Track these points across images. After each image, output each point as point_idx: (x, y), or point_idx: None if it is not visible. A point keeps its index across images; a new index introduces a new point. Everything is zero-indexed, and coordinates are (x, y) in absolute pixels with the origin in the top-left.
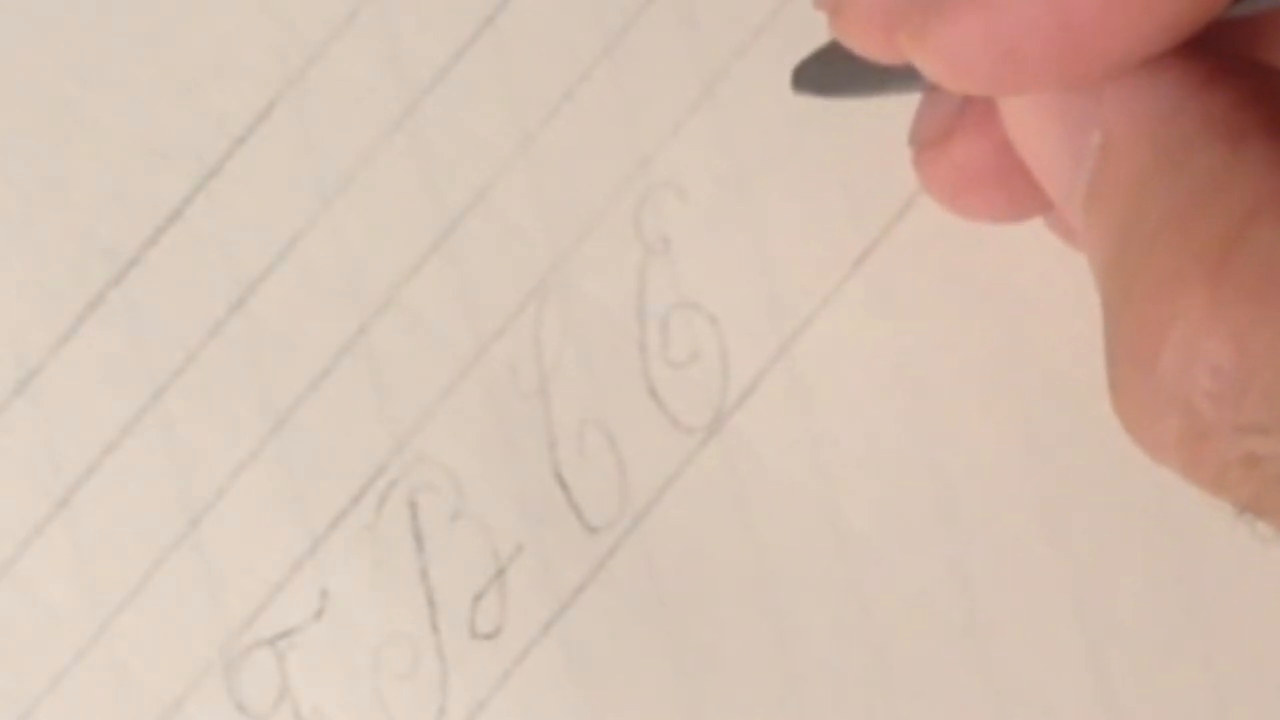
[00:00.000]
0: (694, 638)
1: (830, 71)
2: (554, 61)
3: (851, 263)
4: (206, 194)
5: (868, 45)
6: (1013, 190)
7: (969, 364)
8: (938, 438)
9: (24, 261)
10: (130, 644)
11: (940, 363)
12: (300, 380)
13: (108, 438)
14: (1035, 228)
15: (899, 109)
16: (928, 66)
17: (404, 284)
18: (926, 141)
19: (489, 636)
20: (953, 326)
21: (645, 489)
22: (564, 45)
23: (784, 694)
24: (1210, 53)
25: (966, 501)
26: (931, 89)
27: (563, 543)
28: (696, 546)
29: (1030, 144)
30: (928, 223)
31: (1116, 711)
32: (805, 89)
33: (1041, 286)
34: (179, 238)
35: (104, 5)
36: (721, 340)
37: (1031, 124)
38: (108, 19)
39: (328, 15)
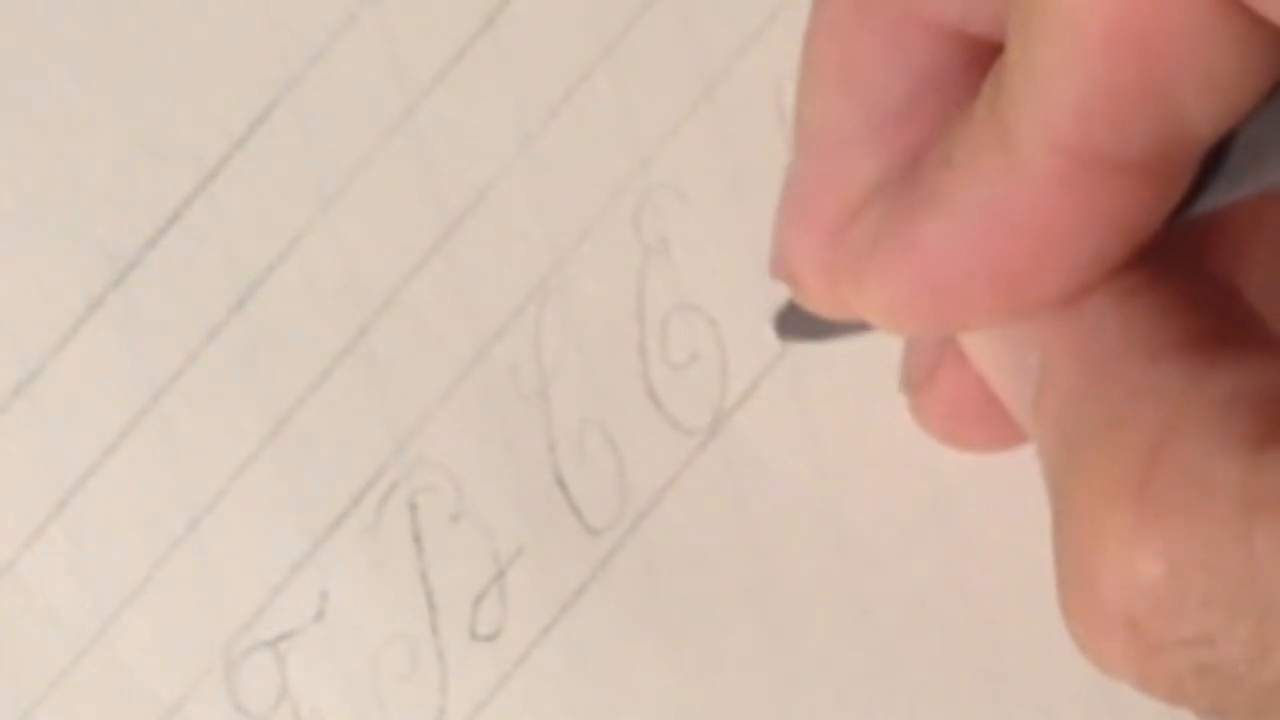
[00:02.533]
0: (694, 639)
1: (809, 315)
2: (554, 63)
3: None
4: (207, 195)
5: (823, 305)
6: (1000, 419)
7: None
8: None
9: (24, 262)
10: (130, 645)
11: None
12: (300, 382)
13: (108, 439)
14: None
15: None
16: (870, 316)
17: (404, 285)
18: (915, 384)
19: (489, 638)
20: None
21: (645, 490)
22: (564, 46)
23: (784, 694)
24: (1143, 261)
25: (966, 501)
26: None
27: (563, 544)
28: (697, 548)
29: (986, 371)
30: None
31: (1117, 711)
32: (790, 336)
33: None
34: (179, 239)
35: (104, 5)
36: (721, 341)
37: (983, 352)
38: (108, 19)
39: (328, 16)
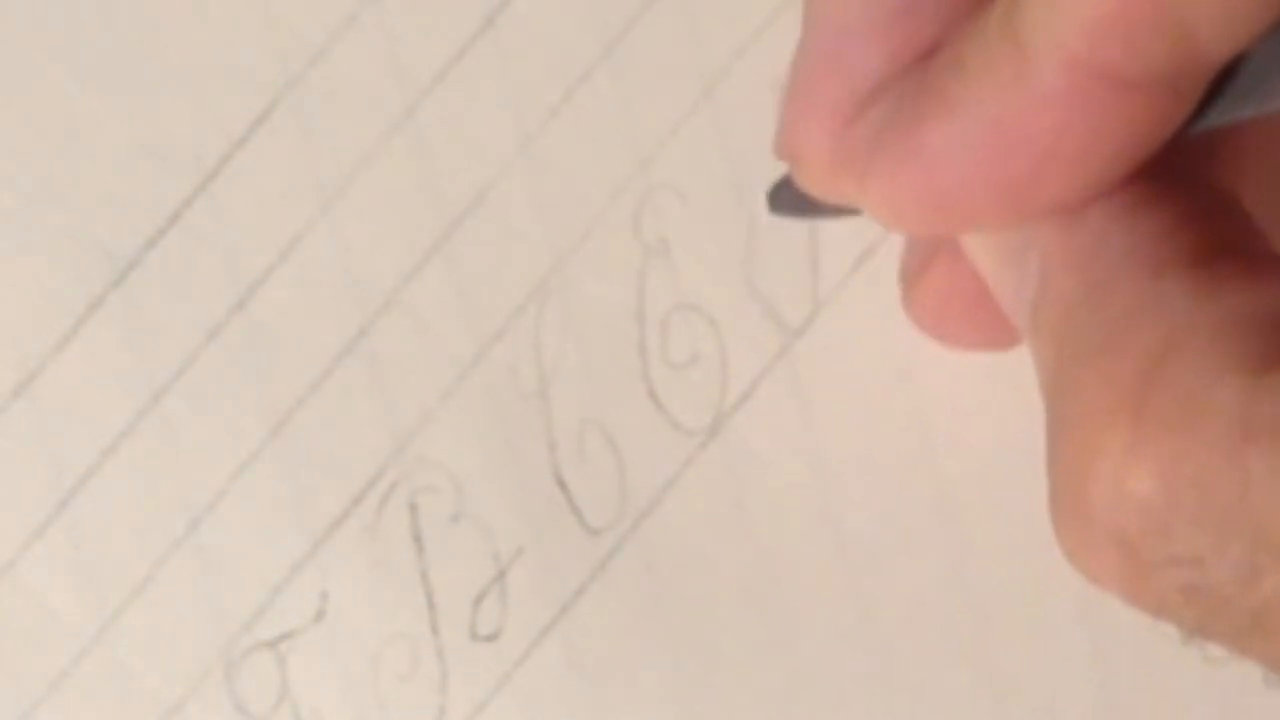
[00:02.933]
0: (694, 639)
1: (803, 193)
2: (554, 62)
3: (852, 263)
4: (207, 196)
5: (822, 191)
6: (993, 318)
7: (969, 364)
8: (938, 438)
9: (24, 263)
10: (130, 646)
11: (940, 363)
12: (300, 382)
13: (108, 440)
14: None
15: None
16: (870, 212)
17: (404, 286)
18: (911, 276)
19: (489, 638)
20: None
21: (645, 491)
22: (564, 46)
23: (784, 695)
24: (1147, 173)
25: (966, 502)
26: None
27: (563, 545)
28: (697, 548)
29: (983, 269)
30: None
31: (1117, 711)
32: (781, 211)
33: None
34: (179, 240)
35: (104, 5)
36: (721, 342)
37: (981, 253)
38: (108, 19)
39: (328, 17)
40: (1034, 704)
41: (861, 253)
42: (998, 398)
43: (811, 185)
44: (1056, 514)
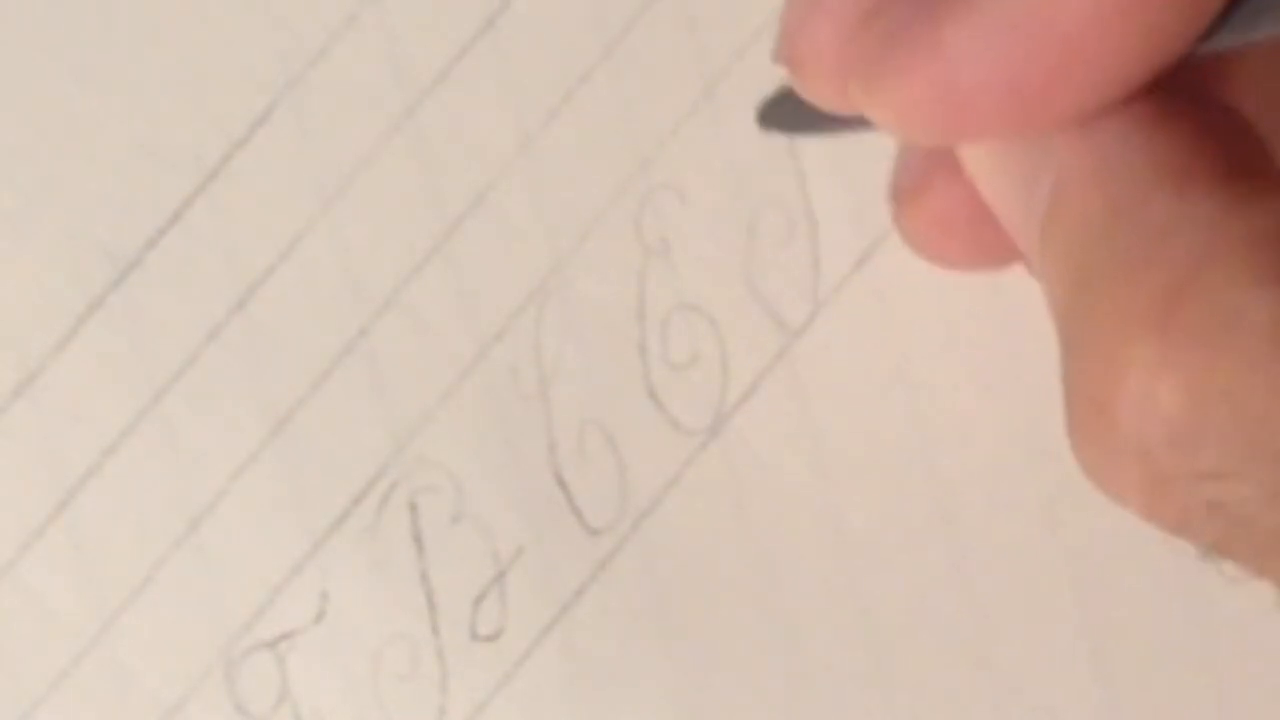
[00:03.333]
0: (694, 639)
1: (795, 109)
2: (554, 63)
3: (852, 263)
4: (207, 196)
5: (825, 98)
6: (988, 237)
7: (969, 364)
8: (938, 438)
9: (24, 263)
10: (130, 646)
11: (940, 363)
12: (300, 382)
13: (108, 440)
14: None
15: None
16: (878, 118)
17: (404, 286)
18: (904, 193)
19: (489, 639)
20: (953, 326)
21: (646, 491)
22: (564, 47)
23: (784, 695)
24: (1163, 91)
25: (966, 502)
26: None
27: (563, 545)
28: (697, 548)
29: (988, 188)
30: None
31: (1116, 711)
32: (771, 127)
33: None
34: (179, 240)
35: (104, 5)
36: (721, 342)
37: (988, 168)
38: (108, 19)
39: (328, 17)
40: (1034, 704)
41: (861, 253)
42: (998, 397)
43: (814, 91)
44: (1076, 429)
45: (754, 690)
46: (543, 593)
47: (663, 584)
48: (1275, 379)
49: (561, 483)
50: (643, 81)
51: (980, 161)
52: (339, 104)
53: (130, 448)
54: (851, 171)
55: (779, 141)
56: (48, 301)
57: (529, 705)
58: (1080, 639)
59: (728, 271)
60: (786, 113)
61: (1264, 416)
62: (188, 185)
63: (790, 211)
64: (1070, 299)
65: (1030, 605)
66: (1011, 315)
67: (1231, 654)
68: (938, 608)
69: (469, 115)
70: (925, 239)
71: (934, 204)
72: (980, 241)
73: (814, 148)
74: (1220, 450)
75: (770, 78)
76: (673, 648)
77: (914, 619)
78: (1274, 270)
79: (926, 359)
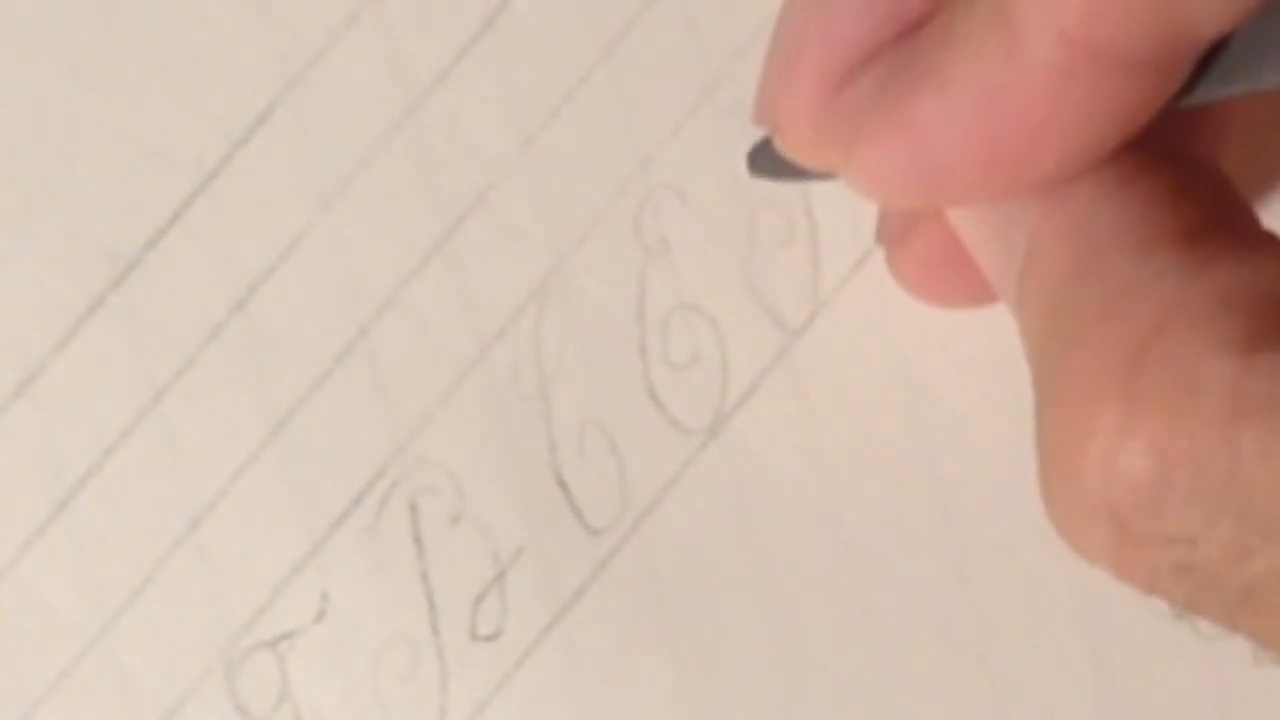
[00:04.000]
0: (694, 639)
1: (783, 155)
2: (554, 63)
3: (852, 263)
4: (207, 196)
5: (804, 159)
6: (975, 279)
7: (969, 364)
8: (938, 438)
9: (24, 263)
10: (131, 646)
11: (940, 363)
12: (301, 382)
13: (108, 440)
14: None
15: None
16: (854, 184)
17: (404, 286)
18: (891, 240)
19: (489, 639)
20: (953, 326)
21: (646, 491)
22: (564, 47)
23: (784, 695)
24: (1138, 146)
25: (966, 502)
26: None
27: (563, 545)
28: (697, 548)
29: (969, 240)
30: None
31: (1116, 711)
32: (761, 173)
33: None
34: (179, 240)
35: (104, 5)
36: (721, 342)
37: (968, 222)
38: (107, 19)
39: (328, 17)
40: (1034, 704)
41: (861, 253)
42: (997, 397)
43: (794, 153)
44: (1047, 489)
45: (754, 690)
46: (543, 593)
47: (663, 584)
48: (1235, 443)
49: (561, 483)
50: (643, 81)
51: (961, 215)
52: (339, 104)
53: (130, 448)
54: None
55: None
56: (48, 301)
57: (529, 705)
58: (1080, 639)
59: (728, 272)
60: (776, 159)
61: (1225, 480)
62: (188, 185)
63: (790, 211)
64: (1043, 354)
65: (1030, 605)
66: (1011, 315)
67: (1231, 654)
68: (938, 608)
69: (469, 115)
70: (914, 281)
71: (920, 249)
72: (968, 283)
73: None
74: (1185, 513)
75: None
76: (673, 648)
77: (914, 619)
78: (1233, 333)
79: (926, 359)
